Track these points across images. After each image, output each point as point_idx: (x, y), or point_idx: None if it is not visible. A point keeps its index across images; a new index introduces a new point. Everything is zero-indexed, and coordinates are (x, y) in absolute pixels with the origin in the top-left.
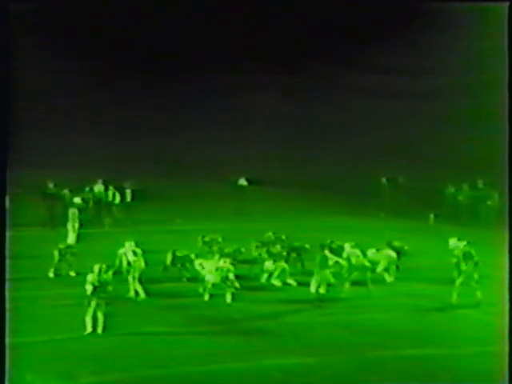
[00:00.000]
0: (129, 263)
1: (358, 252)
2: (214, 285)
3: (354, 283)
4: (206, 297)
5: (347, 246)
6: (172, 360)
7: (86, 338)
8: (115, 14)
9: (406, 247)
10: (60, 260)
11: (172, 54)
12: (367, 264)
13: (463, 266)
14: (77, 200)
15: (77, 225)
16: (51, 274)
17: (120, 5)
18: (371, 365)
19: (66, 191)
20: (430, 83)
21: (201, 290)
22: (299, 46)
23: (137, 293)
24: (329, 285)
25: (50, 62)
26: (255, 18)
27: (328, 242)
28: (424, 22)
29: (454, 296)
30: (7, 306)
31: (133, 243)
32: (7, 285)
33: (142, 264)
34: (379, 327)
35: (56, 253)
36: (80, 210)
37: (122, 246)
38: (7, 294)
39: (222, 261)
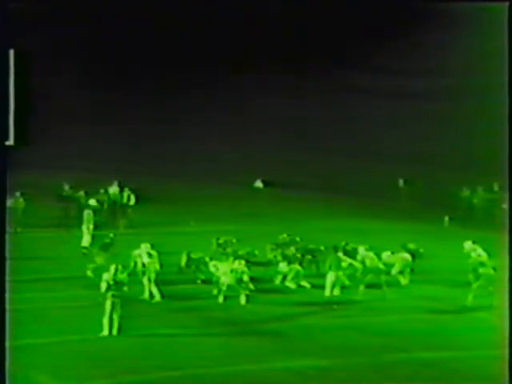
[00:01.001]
0: (143, 265)
1: (371, 254)
2: (228, 287)
3: (369, 286)
4: (221, 299)
5: (361, 249)
6: (186, 362)
7: (99, 339)
8: (115, 13)
9: (420, 250)
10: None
11: (174, 55)
12: (382, 266)
13: (481, 270)
14: (92, 202)
15: (91, 226)
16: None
17: (120, 4)
18: (385, 367)
19: (81, 193)
20: (437, 84)
21: (215, 291)
22: (299, 46)
23: (151, 295)
24: (343, 287)
25: (51, 62)
26: (255, 19)
27: (342, 244)
28: (424, 22)
29: (470, 299)
30: (18, 307)
31: (148, 245)
32: (18, 286)
33: (157, 266)
34: (393, 330)
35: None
36: (95, 212)
37: (137, 247)
38: (18, 295)
39: (236, 263)
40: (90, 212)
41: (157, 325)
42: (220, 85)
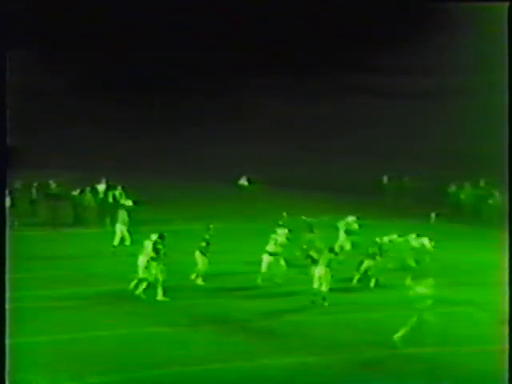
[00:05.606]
0: None
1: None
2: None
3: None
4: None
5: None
6: (174, 359)
7: (89, 338)
8: (115, 12)
9: None
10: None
11: (173, 55)
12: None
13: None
14: (128, 202)
15: (125, 227)
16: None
17: (120, 4)
18: (373, 364)
19: (74, 192)
20: (430, 83)
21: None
22: (299, 46)
23: None
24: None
25: (50, 62)
26: (256, 19)
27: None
28: (424, 22)
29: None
30: (9, 306)
31: None
32: (9, 285)
33: None
34: (381, 326)
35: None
36: (129, 212)
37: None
38: (9, 294)
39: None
40: (125, 212)
41: (147, 322)
42: (211, 86)
